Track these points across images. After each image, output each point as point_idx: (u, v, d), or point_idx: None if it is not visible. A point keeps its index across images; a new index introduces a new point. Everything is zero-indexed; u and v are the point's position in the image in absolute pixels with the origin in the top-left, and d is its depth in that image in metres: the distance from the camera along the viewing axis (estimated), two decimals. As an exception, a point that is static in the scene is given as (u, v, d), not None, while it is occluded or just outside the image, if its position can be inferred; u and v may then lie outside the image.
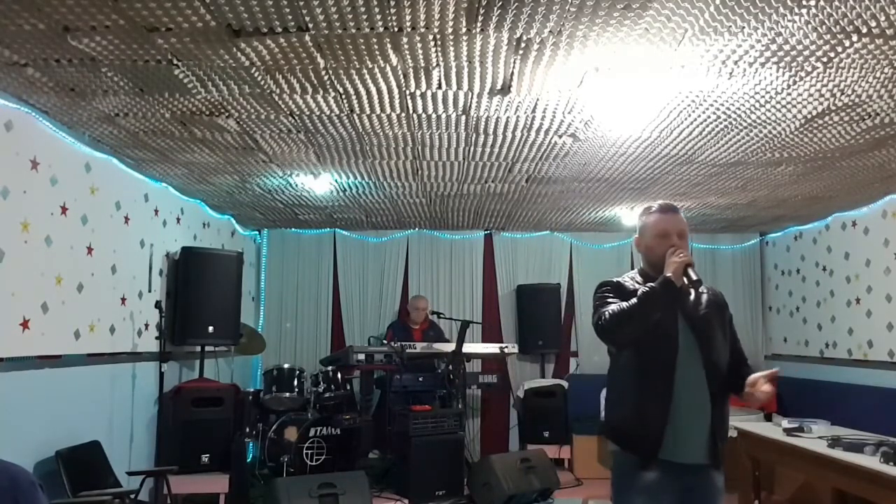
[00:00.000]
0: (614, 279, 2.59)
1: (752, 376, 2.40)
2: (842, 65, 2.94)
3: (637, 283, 2.51)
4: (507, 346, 6.63)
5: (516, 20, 2.56)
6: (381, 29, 2.64)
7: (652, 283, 2.37)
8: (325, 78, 3.15)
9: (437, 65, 3.00)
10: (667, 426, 2.33)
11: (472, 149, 4.34)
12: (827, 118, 3.62)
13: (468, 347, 6.17)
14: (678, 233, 2.48)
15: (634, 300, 2.36)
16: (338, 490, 4.63)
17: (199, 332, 5.37)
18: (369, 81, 3.19)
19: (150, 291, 5.06)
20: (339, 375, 5.76)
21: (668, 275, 2.35)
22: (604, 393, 2.72)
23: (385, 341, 6.33)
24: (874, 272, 5.70)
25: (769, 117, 3.63)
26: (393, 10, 2.50)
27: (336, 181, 5.22)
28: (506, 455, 5.77)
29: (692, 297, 2.48)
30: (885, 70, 2.99)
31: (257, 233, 7.46)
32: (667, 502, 2.33)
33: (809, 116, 3.59)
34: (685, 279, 2.36)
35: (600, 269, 7.02)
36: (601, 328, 2.43)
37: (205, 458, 4.97)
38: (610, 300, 2.46)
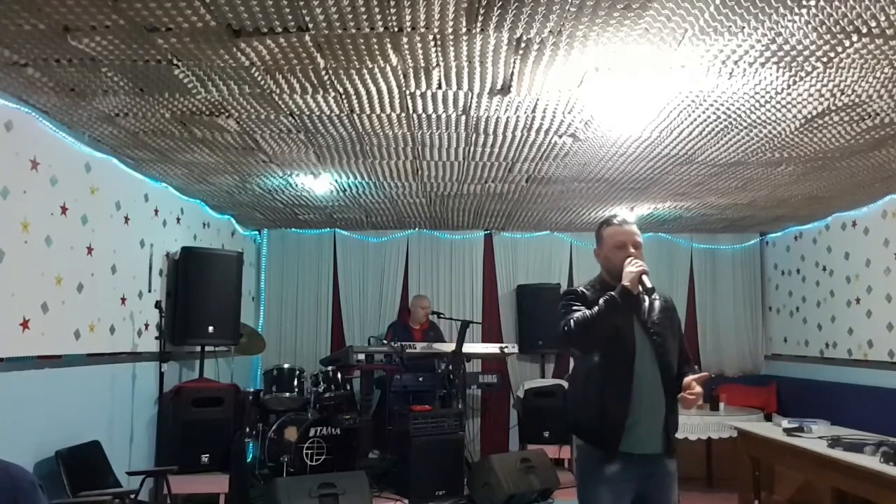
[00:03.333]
0: (578, 288, 2.78)
1: (687, 379, 2.61)
2: (842, 65, 2.94)
3: (597, 291, 2.68)
4: (507, 346, 6.63)
5: (516, 20, 2.56)
6: (381, 29, 2.64)
7: (611, 292, 2.56)
8: (325, 78, 3.15)
9: (437, 65, 3.00)
10: (626, 422, 2.53)
11: (472, 149, 4.34)
12: (827, 118, 3.62)
13: (468, 347, 6.17)
14: (633, 243, 2.68)
15: (596, 308, 2.55)
16: (338, 490, 4.63)
17: (199, 332, 5.37)
18: (369, 81, 3.19)
19: (150, 291, 5.06)
20: (339, 375, 5.76)
21: (626, 284, 2.54)
22: None
23: (385, 341, 6.33)
24: (874, 272, 5.70)
25: (769, 117, 3.63)
26: (393, 10, 2.50)
27: (336, 181, 5.22)
28: (506, 455, 5.77)
29: (647, 304, 2.68)
30: (885, 70, 2.99)
31: (257, 233, 7.46)
32: (627, 489, 2.56)
33: (809, 116, 3.59)
34: (640, 287, 2.55)
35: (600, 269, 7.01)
36: (568, 335, 2.61)
37: (205, 458, 4.96)
38: (575, 308, 2.63)
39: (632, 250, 2.65)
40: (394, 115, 3.69)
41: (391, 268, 7.48)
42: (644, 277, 2.54)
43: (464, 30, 2.65)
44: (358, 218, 6.83)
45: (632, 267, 2.56)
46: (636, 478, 2.55)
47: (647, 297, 2.65)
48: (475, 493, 5.38)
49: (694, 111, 3.58)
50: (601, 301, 2.55)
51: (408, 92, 3.33)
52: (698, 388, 2.55)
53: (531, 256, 7.61)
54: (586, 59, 2.92)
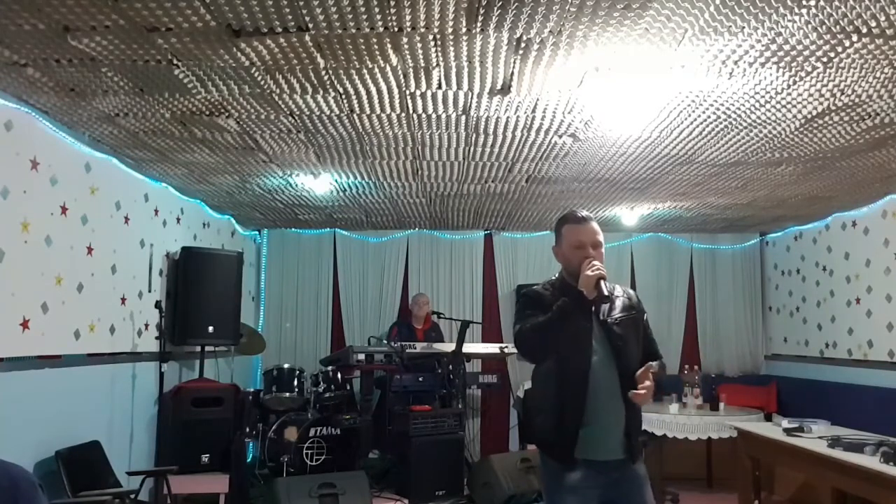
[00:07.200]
0: (534, 288, 2.69)
1: (637, 374, 2.46)
2: (842, 65, 2.94)
3: (556, 290, 2.59)
4: (507, 346, 6.62)
5: (516, 20, 2.56)
6: (381, 29, 2.64)
7: (565, 298, 2.46)
8: (325, 78, 3.15)
9: (437, 65, 3.00)
10: (581, 429, 2.45)
11: (472, 149, 4.34)
12: (827, 118, 3.62)
13: (468, 347, 6.17)
14: (593, 244, 2.57)
15: (548, 317, 2.46)
16: (338, 490, 4.64)
17: (199, 332, 5.37)
18: (369, 81, 3.19)
19: (150, 291, 5.06)
20: (339, 375, 5.76)
21: (582, 289, 2.44)
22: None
23: (385, 340, 6.33)
24: (874, 272, 5.70)
25: (769, 117, 3.63)
26: (393, 10, 2.50)
27: (336, 181, 5.22)
28: (506, 455, 5.77)
29: (607, 304, 2.56)
30: (885, 70, 2.99)
31: (257, 233, 7.46)
32: (592, 496, 2.46)
33: (809, 116, 3.59)
34: (597, 293, 2.43)
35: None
36: (519, 347, 2.58)
37: (205, 458, 4.96)
38: (528, 313, 2.56)
39: (591, 251, 2.53)
40: (394, 115, 3.69)
41: (391, 268, 7.49)
42: (602, 283, 2.42)
43: (464, 30, 2.65)
44: (358, 218, 6.83)
45: (589, 271, 2.43)
46: (601, 485, 2.46)
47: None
48: (475, 493, 5.38)
49: (694, 111, 3.58)
50: (554, 307, 2.45)
51: (408, 92, 3.33)
52: (648, 382, 2.42)
53: (531, 256, 7.61)
54: (586, 59, 2.92)
